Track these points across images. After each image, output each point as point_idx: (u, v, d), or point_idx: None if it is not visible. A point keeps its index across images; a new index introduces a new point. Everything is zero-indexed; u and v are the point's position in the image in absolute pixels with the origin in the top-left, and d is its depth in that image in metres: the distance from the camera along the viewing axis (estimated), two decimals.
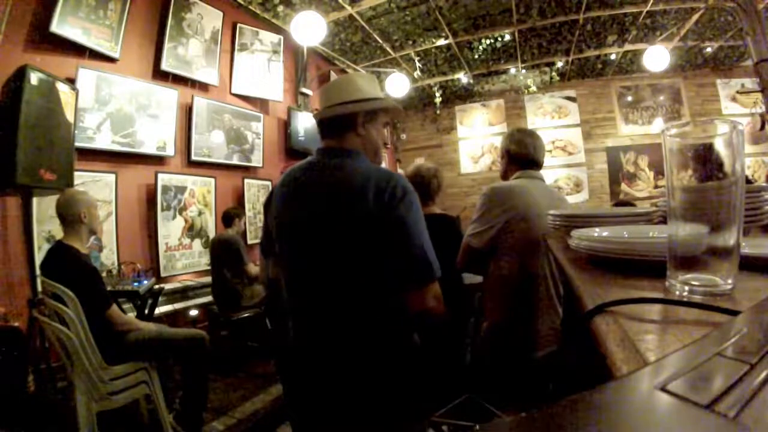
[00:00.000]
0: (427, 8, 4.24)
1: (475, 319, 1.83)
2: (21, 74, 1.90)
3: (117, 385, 1.80)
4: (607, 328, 0.38)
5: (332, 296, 1.03)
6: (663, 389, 0.18)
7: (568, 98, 6.44)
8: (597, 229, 0.76)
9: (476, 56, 5.48)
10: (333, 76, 5.35)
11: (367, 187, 0.98)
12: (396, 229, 0.97)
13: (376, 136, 1.14)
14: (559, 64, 5.85)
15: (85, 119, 2.69)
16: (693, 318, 0.38)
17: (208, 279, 3.32)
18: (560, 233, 1.03)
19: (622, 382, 0.22)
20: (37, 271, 2.06)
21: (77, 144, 2.45)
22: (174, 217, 3.32)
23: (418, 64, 5.53)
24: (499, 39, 5.02)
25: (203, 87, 3.64)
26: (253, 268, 3.16)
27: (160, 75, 3.25)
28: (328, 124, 1.12)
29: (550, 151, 6.46)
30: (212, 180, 3.67)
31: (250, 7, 3.99)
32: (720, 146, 0.39)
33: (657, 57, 4.45)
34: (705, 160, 0.40)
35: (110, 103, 2.86)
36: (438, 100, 6.61)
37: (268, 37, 4.28)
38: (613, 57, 5.56)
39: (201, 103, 3.57)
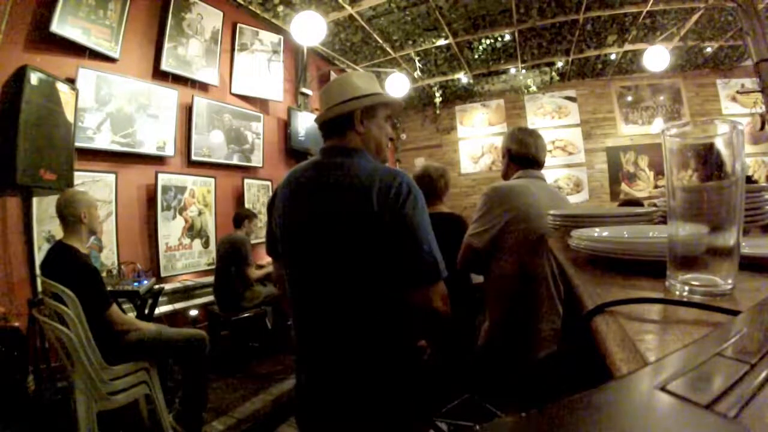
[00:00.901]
0: (427, 8, 4.24)
1: (478, 318, 1.83)
2: (21, 74, 1.90)
3: (117, 385, 1.80)
4: (607, 328, 0.38)
5: (337, 296, 1.02)
6: (663, 389, 0.18)
7: (568, 98, 6.44)
8: (597, 229, 0.76)
9: (476, 56, 5.48)
10: (333, 76, 5.35)
11: (371, 186, 0.97)
12: (402, 228, 0.96)
13: (377, 132, 1.13)
14: (559, 64, 5.85)
15: (85, 119, 2.69)
16: (693, 318, 0.38)
17: (208, 279, 3.32)
18: (560, 233, 1.03)
19: (622, 382, 0.22)
20: (37, 271, 2.07)
21: (77, 144, 2.46)
22: (174, 217, 3.33)
23: (418, 64, 5.54)
24: (499, 39, 5.02)
25: (203, 87, 3.64)
26: (254, 272, 3.16)
27: (160, 75, 3.25)
28: (328, 124, 1.13)
29: (550, 151, 6.45)
30: (212, 180, 3.67)
31: (250, 7, 3.99)
32: (720, 146, 0.39)
33: (657, 57, 4.45)
34: (705, 160, 0.40)
35: (110, 103, 2.86)
36: (438, 100, 6.61)
37: (268, 37, 4.28)
38: (613, 57, 5.56)
39: (201, 103, 3.57)
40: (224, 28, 3.80)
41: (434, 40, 4.96)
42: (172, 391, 2.22)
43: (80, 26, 2.65)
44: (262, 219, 4.11)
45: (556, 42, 5.16)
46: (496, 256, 1.50)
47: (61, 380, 2.04)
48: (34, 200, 2.27)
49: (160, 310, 2.77)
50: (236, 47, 3.98)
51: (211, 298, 3.25)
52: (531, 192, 1.49)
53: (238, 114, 3.97)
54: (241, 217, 3.34)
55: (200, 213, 3.57)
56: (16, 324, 2.01)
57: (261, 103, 4.29)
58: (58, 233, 2.40)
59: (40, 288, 2.02)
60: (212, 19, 3.68)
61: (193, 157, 3.50)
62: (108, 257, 2.82)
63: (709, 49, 5.30)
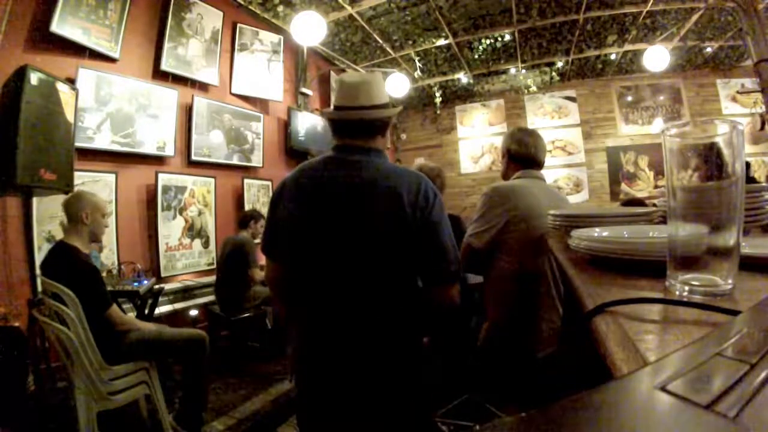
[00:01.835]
0: (427, 8, 4.24)
1: (477, 318, 1.83)
2: (21, 74, 1.90)
3: (117, 385, 1.80)
4: (607, 328, 0.38)
5: (360, 294, 1.02)
6: (663, 389, 0.18)
7: (568, 98, 6.44)
8: (597, 229, 0.76)
9: (476, 56, 5.48)
10: (333, 76, 5.35)
11: (401, 188, 1.00)
12: (431, 231, 1.01)
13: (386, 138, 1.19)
14: (559, 64, 5.85)
15: (85, 119, 2.69)
16: (693, 318, 0.38)
17: (208, 279, 3.32)
18: (560, 233, 1.03)
19: (622, 382, 0.22)
20: (37, 271, 2.06)
21: (77, 144, 2.45)
22: (174, 217, 3.33)
23: (418, 64, 5.53)
24: (499, 39, 5.02)
25: (203, 87, 3.64)
26: (258, 273, 3.13)
27: (160, 75, 3.25)
28: (357, 124, 1.10)
29: (550, 151, 6.45)
30: (212, 180, 3.67)
31: (250, 7, 3.99)
32: (720, 146, 0.39)
33: (657, 57, 4.45)
34: (705, 160, 0.40)
35: (110, 103, 2.86)
36: (438, 100, 6.61)
37: (268, 37, 4.28)
38: (613, 57, 5.56)
39: (201, 103, 3.57)
40: (224, 28, 3.80)
41: (434, 40, 4.96)
42: (172, 391, 2.22)
43: (80, 26, 2.65)
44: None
45: (556, 42, 5.16)
46: (496, 256, 1.50)
47: (61, 380, 2.04)
48: (34, 200, 2.27)
49: (160, 310, 2.77)
50: (236, 47, 3.98)
51: (211, 298, 3.25)
52: (531, 192, 1.49)
53: (238, 114, 3.97)
54: (248, 218, 3.32)
55: (200, 213, 3.57)
56: (16, 324, 2.01)
57: (261, 103, 4.29)
58: (58, 233, 2.41)
59: (40, 288, 2.02)
60: (212, 19, 3.68)
61: (193, 157, 3.50)
62: (108, 257, 2.82)
63: (709, 49, 5.30)
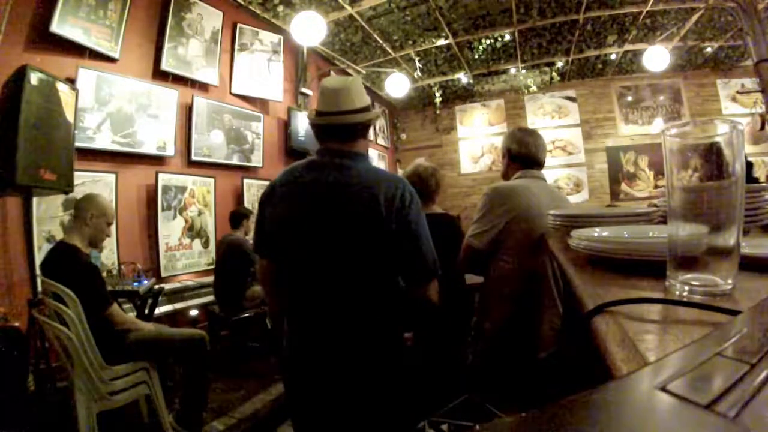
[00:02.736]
0: (427, 8, 4.24)
1: (477, 318, 1.83)
2: (21, 74, 1.90)
3: (117, 385, 1.80)
4: (607, 328, 0.38)
5: (341, 292, 1.07)
6: (663, 389, 0.18)
7: (568, 98, 6.44)
8: (597, 229, 0.76)
9: (476, 56, 5.48)
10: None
11: (378, 190, 1.04)
12: (408, 232, 1.05)
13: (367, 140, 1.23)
14: (559, 64, 5.85)
15: (85, 119, 2.68)
16: (693, 318, 0.38)
17: (208, 279, 3.32)
18: (560, 233, 1.03)
19: (622, 382, 0.22)
20: (37, 271, 2.06)
21: (77, 144, 2.45)
22: (174, 217, 3.32)
23: (418, 64, 5.53)
24: (499, 39, 5.02)
25: (203, 87, 3.64)
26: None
27: (160, 75, 3.25)
28: (338, 128, 1.14)
29: (550, 151, 6.45)
30: (212, 180, 3.67)
31: (250, 7, 3.99)
32: (720, 146, 0.39)
33: (657, 57, 4.45)
34: (705, 160, 0.40)
35: (110, 103, 2.85)
36: (438, 100, 6.61)
37: (268, 37, 4.28)
38: (613, 57, 5.56)
39: (201, 103, 3.57)
40: (224, 28, 3.80)
41: (434, 40, 4.96)
42: (172, 391, 2.22)
43: (80, 26, 2.65)
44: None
45: (556, 42, 5.16)
46: (496, 256, 1.50)
47: (61, 380, 2.04)
48: (34, 200, 2.26)
49: (160, 310, 2.77)
50: (236, 47, 3.98)
51: (211, 298, 3.24)
52: (532, 192, 1.49)
53: (238, 114, 3.97)
54: (240, 216, 3.30)
55: (200, 213, 3.57)
56: (16, 324, 2.01)
57: (261, 103, 4.29)
58: (58, 233, 2.41)
59: (40, 288, 2.02)
60: (212, 19, 3.68)
61: (193, 157, 3.49)
62: (108, 257, 2.82)
63: (709, 49, 5.30)
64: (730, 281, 0.41)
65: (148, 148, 3.11)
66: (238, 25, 3.99)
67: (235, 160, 3.91)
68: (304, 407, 1.13)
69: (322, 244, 1.06)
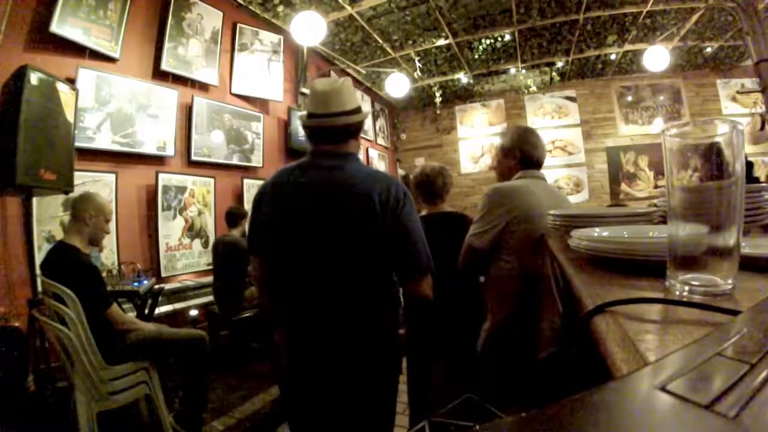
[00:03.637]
0: (427, 8, 4.24)
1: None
2: (21, 74, 1.90)
3: (117, 385, 1.80)
4: (607, 328, 0.38)
5: (337, 290, 1.08)
6: (663, 389, 0.18)
7: (568, 98, 6.44)
8: (597, 229, 0.76)
9: (476, 56, 5.48)
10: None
11: (372, 190, 1.06)
12: (402, 230, 1.08)
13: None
14: (559, 64, 5.85)
15: (85, 119, 2.68)
16: (693, 318, 0.38)
17: (208, 279, 3.32)
18: (560, 233, 1.03)
19: (622, 382, 0.22)
20: (37, 271, 2.06)
21: (77, 144, 2.45)
22: (174, 217, 3.32)
23: (418, 64, 5.53)
24: (499, 39, 5.02)
25: (203, 87, 3.64)
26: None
27: (160, 75, 3.25)
28: (330, 130, 1.15)
29: (550, 151, 6.45)
30: (212, 180, 3.67)
31: (250, 7, 3.99)
32: (720, 146, 0.39)
33: (657, 57, 4.45)
34: (705, 160, 0.40)
35: (110, 103, 2.85)
36: (438, 100, 6.61)
37: (268, 37, 4.28)
38: (613, 57, 5.56)
39: (201, 103, 3.57)
40: (224, 28, 3.80)
41: (434, 40, 4.96)
42: (172, 391, 2.22)
43: (80, 26, 2.65)
44: None
45: (556, 42, 5.16)
46: (496, 256, 1.50)
47: (61, 380, 2.04)
48: (34, 200, 2.27)
49: (160, 310, 2.77)
50: (236, 47, 3.98)
51: (211, 298, 3.24)
52: (533, 192, 1.49)
53: (238, 114, 3.97)
54: (237, 216, 3.29)
55: (200, 213, 3.57)
56: (16, 324, 2.01)
57: (261, 103, 4.29)
58: (58, 233, 2.40)
59: (40, 288, 2.02)
60: (212, 19, 3.68)
61: (193, 157, 3.49)
62: (108, 257, 2.82)
63: (709, 49, 5.30)
64: (730, 281, 0.41)
65: (148, 148, 3.11)
66: (238, 25, 3.99)
67: (235, 160, 3.91)
68: (301, 408, 1.14)
69: (318, 243, 1.07)
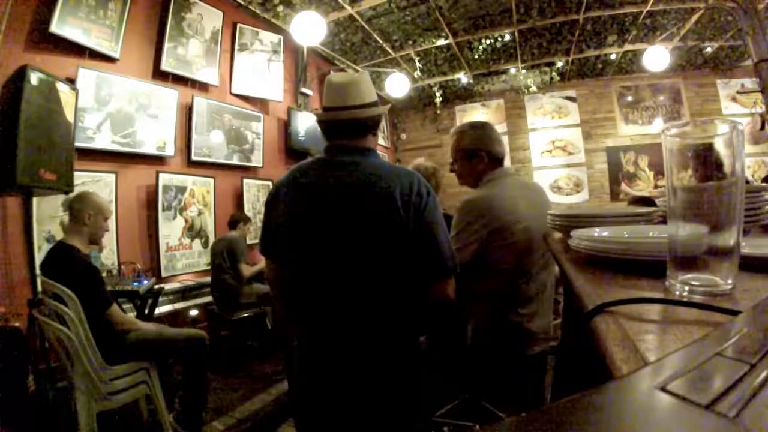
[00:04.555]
0: (427, 8, 4.24)
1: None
2: (21, 74, 1.90)
3: (117, 385, 1.80)
4: (607, 328, 0.38)
5: (357, 294, 1.02)
6: (663, 389, 0.18)
7: (568, 98, 6.44)
8: (597, 229, 0.76)
9: (476, 56, 5.48)
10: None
11: (394, 187, 1.00)
12: (426, 230, 1.01)
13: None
14: (559, 64, 5.85)
15: (85, 119, 2.68)
16: (693, 318, 0.38)
17: (208, 279, 3.32)
18: (559, 233, 1.03)
19: (622, 382, 0.22)
20: (37, 271, 2.06)
21: (77, 144, 2.45)
22: (174, 217, 3.33)
23: (418, 64, 5.53)
24: (499, 39, 5.02)
25: (203, 87, 3.64)
26: (247, 268, 3.18)
27: (160, 75, 3.25)
28: (347, 123, 1.09)
29: (550, 151, 6.46)
30: (212, 180, 3.67)
31: (250, 7, 3.99)
32: (720, 146, 0.39)
33: (657, 57, 4.45)
34: (705, 160, 0.40)
35: (110, 103, 2.85)
36: (438, 100, 6.61)
37: (268, 37, 4.28)
38: (613, 57, 5.56)
39: (201, 103, 3.57)
40: (224, 28, 3.80)
41: (434, 40, 4.96)
42: (172, 391, 2.22)
43: (80, 26, 2.65)
44: (258, 223, 4.11)
45: (556, 42, 5.16)
46: (482, 259, 1.45)
47: (61, 380, 2.04)
48: (34, 200, 2.27)
49: (160, 310, 2.77)
50: (236, 47, 3.98)
51: (210, 298, 3.25)
52: (507, 196, 1.44)
53: (238, 114, 3.97)
54: (236, 220, 3.40)
55: (200, 213, 3.57)
56: (16, 324, 2.01)
57: (261, 103, 4.29)
58: (58, 233, 2.40)
59: (40, 288, 2.02)
60: (212, 19, 3.68)
61: (193, 157, 3.49)
62: (108, 257, 2.82)
63: (709, 49, 5.30)
64: (730, 281, 0.41)
65: (148, 148, 3.11)
66: (238, 25, 3.99)
67: (235, 160, 3.91)
68: (314, 413, 1.08)
69: (337, 246, 1.01)
